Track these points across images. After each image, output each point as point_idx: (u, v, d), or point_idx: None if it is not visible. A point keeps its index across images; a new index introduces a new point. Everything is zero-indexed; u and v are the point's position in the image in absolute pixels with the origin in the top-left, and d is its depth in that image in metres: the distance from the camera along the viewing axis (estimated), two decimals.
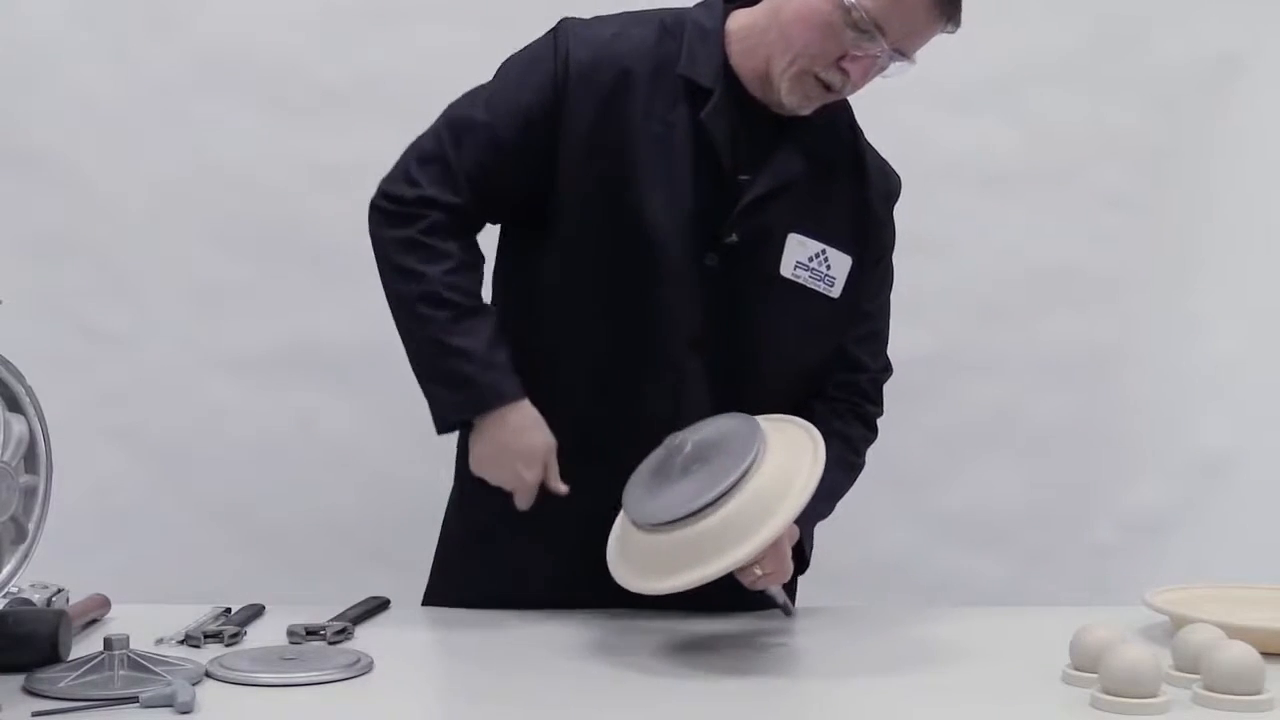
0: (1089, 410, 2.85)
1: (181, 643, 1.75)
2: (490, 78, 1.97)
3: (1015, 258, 2.83)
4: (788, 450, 1.73)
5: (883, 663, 1.77)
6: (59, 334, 2.66)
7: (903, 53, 1.84)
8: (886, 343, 2.09)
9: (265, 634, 1.82)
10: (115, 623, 1.86)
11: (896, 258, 2.08)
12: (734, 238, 1.91)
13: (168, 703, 1.48)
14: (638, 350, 1.92)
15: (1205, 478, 2.84)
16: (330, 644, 1.78)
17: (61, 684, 1.54)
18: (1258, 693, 1.55)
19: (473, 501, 2.02)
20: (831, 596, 2.12)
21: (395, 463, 2.69)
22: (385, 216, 1.93)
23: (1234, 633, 1.64)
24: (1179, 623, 1.77)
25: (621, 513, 1.80)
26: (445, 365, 1.88)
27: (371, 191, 1.97)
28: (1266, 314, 2.85)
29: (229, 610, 1.90)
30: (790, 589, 1.96)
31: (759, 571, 1.78)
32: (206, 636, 1.76)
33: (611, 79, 1.89)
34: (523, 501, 1.92)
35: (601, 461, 1.89)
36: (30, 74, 2.65)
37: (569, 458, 1.92)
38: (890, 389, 2.09)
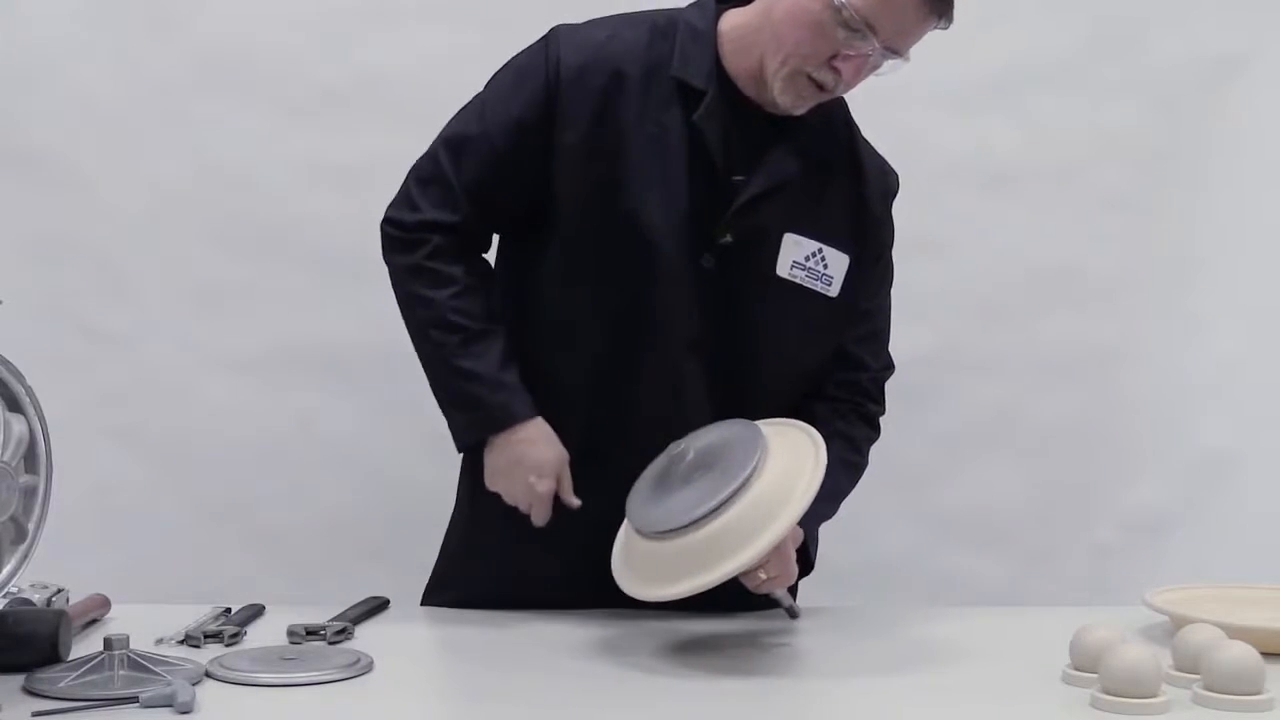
0: (1089, 410, 2.85)
1: (181, 643, 1.75)
2: (488, 80, 1.97)
3: (1015, 258, 2.82)
4: (790, 455, 1.73)
5: (883, 663, 1.77)
6: (59, 334, 2.66)
7: (895, 50, 1.83)
8: (888, 341, 2.10)
9: (265, 634, 1.82)
10: (115, 623, 1.86)
11: (897, 258, 2.08)
12: (729, 238, 1.91)
13: (168, 703, 1.48)
14: (636, 353, 1.92)
15: (1205, 478, 2.84)
16: (330, 644, 1.78)
17: (61, 684, 1.54)
18: (1258, 693, 1.55)
19: (478, 504, 2.02)
20: (831, 596, 2.12)
21: (395, 463, 2.70)
22: (391, 243, 1.96)
23: (1234, 633, 1.64)
24: (1179, 623, 1.77)
25: (626, 521, 1.80)
26: (457, 388, 1.92)
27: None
28: (1266, 314, 2.85)
29: (229, 610, 1.90)
30: (791, 589, 1.95)
31: (763, 576, 1.78)
32: (206, 636, 1.76)
33: (604, 83, 1.89)
34: (539, 517, 1.93)
35: (602, 464, 1.90)
36: (30, 74, 2.65)
37: (570, 461, 1.93)
38: (890, 389, 2.10)
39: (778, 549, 1.75)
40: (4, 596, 1.70)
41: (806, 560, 1.95)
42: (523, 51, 1.96)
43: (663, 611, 1.89)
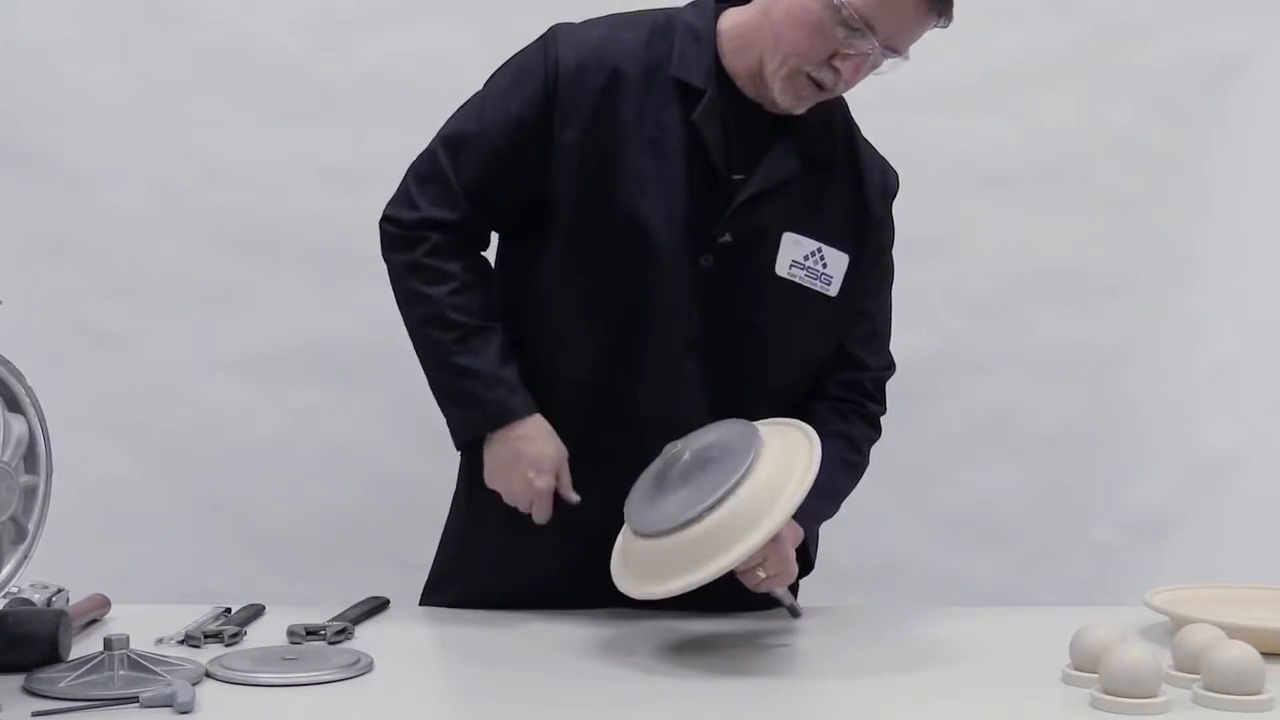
0: (1089, 410, 2.85)
1: (181, 643, 1.75)
2: (487, 79, 1.97)
3: (1015, 258, 2.82)
4: (784, 453, 1.73)
5: (883, 662, 1.77)
6: (59, 334, 2.66)
7: (894, 49, 1.83)
8: (888, 341, 2.09)
9: (265, 634, 1.82)
10: (115, 623, 1.86)
11: (898, 258, 2.08)
12: (728, 237, 1.91)
13: (168, 703, 1.48)
14: (635, 352, 1.93)
15: (1206, 478, 2.84)
16: (330, 644, 1.78)
17: (61, 684, 1.54)
18: (1258, 693, 1.55)
19: (476, 501, 2.02)
20: (831, 596, 2.12)
21: (395, 462, 2.70)
22: (390, 240, 1.96)
23: (1234, 633, 1.64)
24: (1179, 623, 1.77)
25: (625, 525, 1.80)
26: (455, 385, 1.92)
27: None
28: (1266, 314, 2.85)
29: (229, 610, 1.90)
30: (792, 588, 1.95)
31: (763, 574, 1.78)
32: (206, 636, 1.76)
33: (602, 82, 1.89)
34: (540, 514, 1.93)
35: (601, 463, 1.91)
36: (30, 74, 2.65)
37: (569, 459, 1.93)
38: (891, 389, 2.09)
39: (777, 548, 1.75)
40: (4, 596, 1.70)
41: (807, 560, 1.95)
42: (522, 50, 1.96)
43: (662, 611, 1.89)
